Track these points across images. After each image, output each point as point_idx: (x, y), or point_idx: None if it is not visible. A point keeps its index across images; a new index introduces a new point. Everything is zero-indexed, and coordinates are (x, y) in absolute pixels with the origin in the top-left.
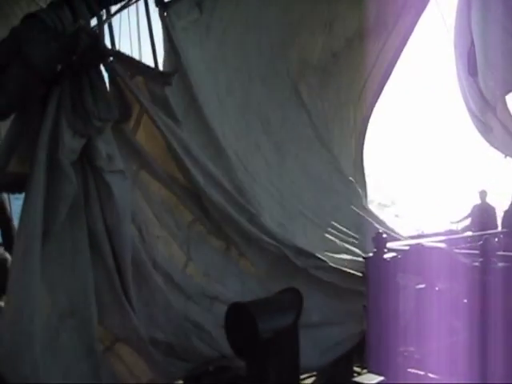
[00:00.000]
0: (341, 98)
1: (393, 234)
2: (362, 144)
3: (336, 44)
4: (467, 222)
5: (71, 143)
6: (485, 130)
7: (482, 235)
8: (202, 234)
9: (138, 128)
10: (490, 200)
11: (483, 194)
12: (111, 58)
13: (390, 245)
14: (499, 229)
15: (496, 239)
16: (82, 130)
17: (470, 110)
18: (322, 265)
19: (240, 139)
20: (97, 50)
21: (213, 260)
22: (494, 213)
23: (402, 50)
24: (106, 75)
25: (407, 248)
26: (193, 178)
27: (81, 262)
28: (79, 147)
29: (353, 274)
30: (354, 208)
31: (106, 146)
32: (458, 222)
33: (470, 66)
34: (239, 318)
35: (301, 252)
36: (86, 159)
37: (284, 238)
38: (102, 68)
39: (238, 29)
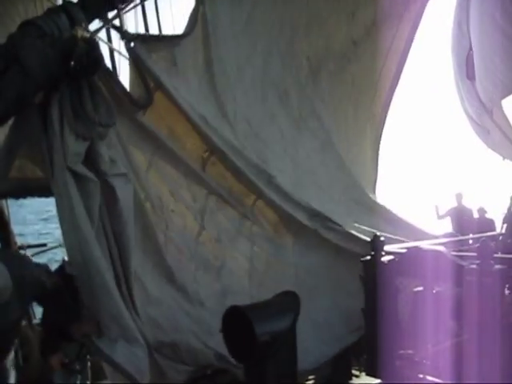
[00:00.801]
0: (356, 84)
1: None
2: (381, 131)
3: (357, 32)
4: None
5: (75, 147)
6: (482, 132)
7: (480, 237)
8: (218, 204)
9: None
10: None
11: (459, 196)
12: (132, 43)
13: (387, 248)
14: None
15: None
16: (84, 134)
17: (466, 112)
18: (334, 227)
19: (253, 107)
20: (93, 56)
21: (226, 226)
22: (471, 215)
23: (412, 40)
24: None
25: (404, 251)
26: (215, 147)
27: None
28: (83, 150)
29: (362, 240)
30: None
31: (108, 150)
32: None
33: (469, 70)
34: (237, 321)
35: (316, 214)
36: (91, 164)
37: (300, 200)
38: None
39: (265, 6)
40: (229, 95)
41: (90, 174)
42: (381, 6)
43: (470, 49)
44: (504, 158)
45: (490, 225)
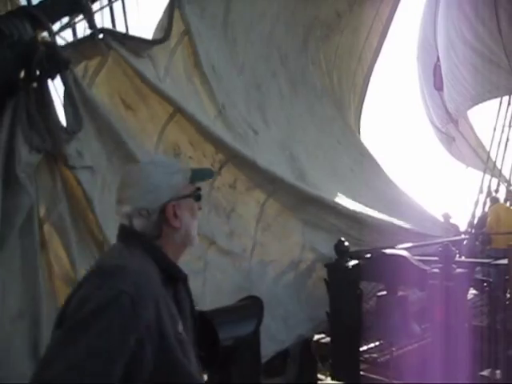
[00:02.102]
0: (339, 53)
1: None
2: (362, 101)
3: (341, 6)
4: None
5: (28, 158)
6: (446, 140)
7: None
8: (242, 162)
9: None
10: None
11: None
12: None
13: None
14: None
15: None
16: (39, 146)
17: (431, 121)
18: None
19: (258, 62)
20: (54, 60)
21: (244, 178)
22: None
23: (391, 20)
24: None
25: (369, 255)
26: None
27: (28, 266)
28: (36, 161)
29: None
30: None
31: (75, 143)
32: None
33: (436, 80)
34: (199, 326)
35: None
36: (54, 159)
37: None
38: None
39: None
40: (240, 46)
41: (29, 187)
42: None
43: (438, 60)
44: (467, 166)
45: (454, 230)
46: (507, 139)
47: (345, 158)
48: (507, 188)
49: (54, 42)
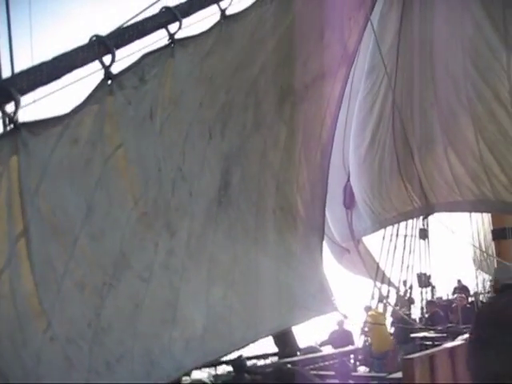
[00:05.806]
0: (308, 117)
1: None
2: (328, 165)
3: (307, 78)
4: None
5: None
6: (340, 252)
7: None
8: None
9: None
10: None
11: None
12: None
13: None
14: None
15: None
16: None
17: (328, 236)
18: None
19: (240, 93)
20: None
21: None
22: (351, 337)
23: (342, 96)
24: None
25: (268, 370)
26: None
27: None
28: None
29: None
30: None
31: None
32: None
33: (346, 199)
34: None
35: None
36: None
37: None
38: None
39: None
40: (240, 71)
41: None
42: (321, 63)
43: (348, 180)
44: (356, 274)
45: (348, 337)
46: (395, 247)
47: (270, 200)
48: (397, 293)
49: None
